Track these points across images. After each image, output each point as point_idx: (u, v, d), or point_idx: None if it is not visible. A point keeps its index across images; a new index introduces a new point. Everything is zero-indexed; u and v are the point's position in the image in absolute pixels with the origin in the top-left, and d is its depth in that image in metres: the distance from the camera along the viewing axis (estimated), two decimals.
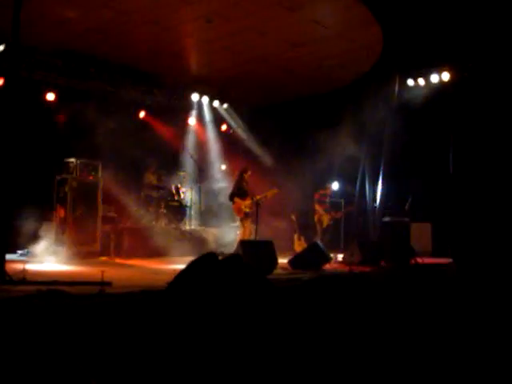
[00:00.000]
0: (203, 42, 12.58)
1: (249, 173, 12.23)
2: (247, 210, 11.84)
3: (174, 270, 4.48)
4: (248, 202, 11.82)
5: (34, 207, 12.14)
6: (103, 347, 3.67)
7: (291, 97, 16.30)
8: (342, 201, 13.94)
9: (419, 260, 11.95)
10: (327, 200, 13.66)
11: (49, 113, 13.41)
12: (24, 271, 7.27)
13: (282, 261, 10.69)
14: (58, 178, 11.82)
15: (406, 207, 13.82)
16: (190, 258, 4.36)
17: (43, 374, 3.51)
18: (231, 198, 12.10)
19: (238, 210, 11.94)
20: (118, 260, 11.43)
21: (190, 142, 16.82)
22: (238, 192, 12.00)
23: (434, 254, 14.00)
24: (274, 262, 9.80)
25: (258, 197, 11.85)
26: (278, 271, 9.77)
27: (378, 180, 15.58)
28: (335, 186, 15.05)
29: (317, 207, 13.59)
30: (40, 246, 10.85)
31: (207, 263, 1.15)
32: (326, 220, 13.54)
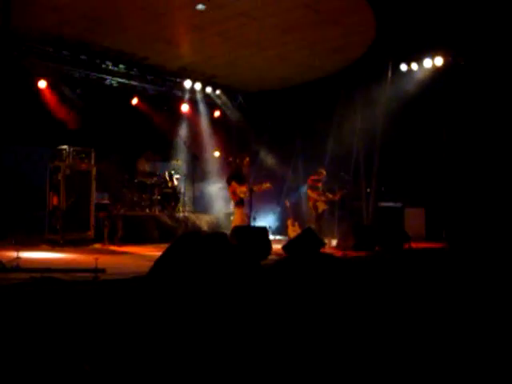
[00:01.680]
0: (195, 28, 12.51)
1: (247, 159, 12.28)
2: (242, 196, 11.86)
3: None
4: (244, 188, 11.83)
5: (27, 195, 12.15)
6: (97, 333, 3.68)
7: (284, 83, 16.24)
8: (336, 186, 13.92)
9: (413, 245, 12.04)
10: (320, 186, 13.62)
11: (40, 100, 13.35)
12: (18, 259, 7.28)
13: (276, 246, 10.73)
14: (51, 165, 11.79)
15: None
16: None
17: (37, 358, 3.52)
18: (228, 180, 12.13)
19: (233, 194, 11.95)
20: (111, 247, 11.44)
21: (183, 128, 16.78)
22: (236, 176, 12.02)
23: (427, 239, 14.09)
24: (267, 247, 9.84)
25: (253, 187, 11.91)
26: (272, 257, 9.81)
27: (371, 165, 15.58)
28: None
29: (310, 193, 13.55)
30: None
31: (191, 241, 1.14)
32: (321, 205, 13.49)
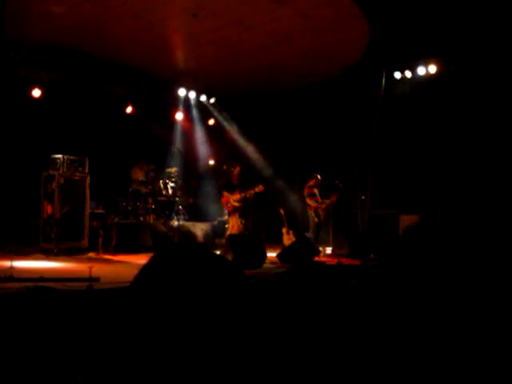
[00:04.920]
0: (189, 36, 12.53)
1: (238, 168, 12.25)
2: (235, 205, 11.85)
3: None
4: (236, 196, 11.82)
5: (21, 204, 12.12)
6: (90, 342, 3.66)
7: (278, 90, 16.27)
8: (329, 192, 13.88)
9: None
10: (317, 192, 13.57)
11: (34, 109, 13.33)
12: (11, 268, 7.25)
13: (272, 255, 10.72)
14: (45, 174, 11.76)
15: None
16: None
17: (30, 368, 3.50)
18: (220, 191, 12.11)
19: (226, 204, 11.95)
20: (106, 256, 11.39)
21: (178, 136, 16.79)
22: (227, 186, 12.01)
23: None
24: (262, 256, 9.83)
25: (246, 193, 11.90)
26: (266, 265, 9.80)
27: (366, 172, 15.60)
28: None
29: (308, 201, 13.46)
30: None
31: (171, 255, 1.14)
32: (322, 212, 13.39)
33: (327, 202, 13.49)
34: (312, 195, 13.45)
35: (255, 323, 1.18)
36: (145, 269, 1.24)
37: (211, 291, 1.14)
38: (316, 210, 13.38)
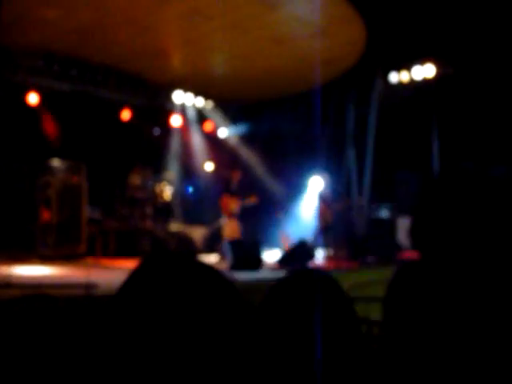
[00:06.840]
0: (185, 41, 12.53)
1: (239, 174, 12.30)
2: (234, 210, 11.88)
3: None
4: (235, 201, 11.85)
5: (17, 210, 12.11)
6: (87, 348, 3.64)
7: (275, 94, 16.26)
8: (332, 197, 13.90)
9: (406, 254, 12.05)
10: (326, 195, 13.57)
11: (31, 115, 13.31)
12: (9, 275, 7.23)
13: (269, 258, 10.74)
14: (42, 180, 11.74)
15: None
16: None
17: (28, 376, 3.47)
18: (220, 195, 12.15)
19: (225, 208, 11.97)
20: (103, 261, 11.38)
21: (175, 141, 16.76)
22: (227, 190, 12.04)
23: None
24: (260, 260, 9.85)
25: (245, 199, 11.96)
26: (264, 269, 9.80)
27: (364, 176, 15.60)
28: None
29: (320, 204, 13.43)
30: None
31: (157, 262, 1.13)
32: (329, 216, 13.38)
33: (335, 206, 13.50)
34: (321, 198, 13.49)
35: (244, 329, 1.17)
36: (130, 276, 1.23)
37: (194, 300, 1.13)
38: (324, 213, 13.40)
